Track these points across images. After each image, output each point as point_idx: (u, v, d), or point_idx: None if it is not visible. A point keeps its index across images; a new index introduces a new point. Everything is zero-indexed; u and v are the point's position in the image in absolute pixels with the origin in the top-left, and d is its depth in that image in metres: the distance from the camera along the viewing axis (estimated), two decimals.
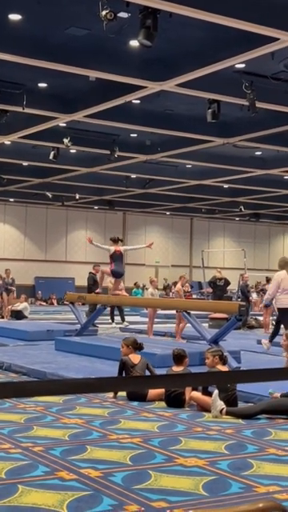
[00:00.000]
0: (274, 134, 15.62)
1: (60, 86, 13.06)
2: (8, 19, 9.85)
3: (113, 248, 12.72)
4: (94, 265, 18.84)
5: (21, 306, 20.07)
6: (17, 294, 21.39)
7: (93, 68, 11.25)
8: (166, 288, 31.01)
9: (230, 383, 6.98)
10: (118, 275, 12.74)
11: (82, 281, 24.11)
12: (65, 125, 15.55)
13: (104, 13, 8.41)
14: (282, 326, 11.97)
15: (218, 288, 19.79)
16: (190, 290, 24.18)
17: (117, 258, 12.69)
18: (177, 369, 7.80)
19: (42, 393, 3.06)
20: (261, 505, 2.37)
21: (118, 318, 18.24)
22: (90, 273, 18.44)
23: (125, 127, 15.51)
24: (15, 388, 2.87)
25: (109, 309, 17.94)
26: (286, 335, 9.14)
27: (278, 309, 12.41)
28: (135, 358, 8.18)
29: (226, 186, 24.52)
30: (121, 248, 12.82)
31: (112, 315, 18.60)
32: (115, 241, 12.88)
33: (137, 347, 8.33)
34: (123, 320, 18.00)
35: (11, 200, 29.32)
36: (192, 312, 10.95)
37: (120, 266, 12.67)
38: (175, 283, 31.05)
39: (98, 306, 13.78)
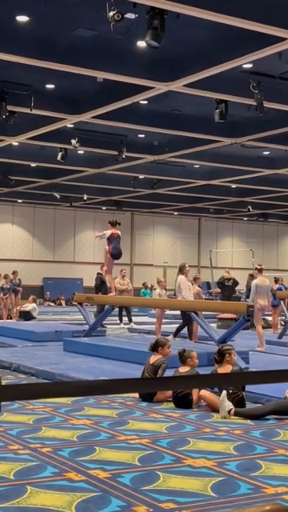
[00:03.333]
0: (281, 133, 15.59)
1: (67, 87, 13.08)
2: (15, 21, 9.87)
3: (109, 232, 12.52)
4: (101, 265, 18.85)
5: (29, 306, 20.09)
6: (24, 295, 21.42)
7: (100, 69, 11.27)
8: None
9: (238, 384, 6.96)
10: (117, 257, 12.55)
11: (90, 281, 24.11)
12: (72, 126, 15.57)
13: (111, 14, 8.41)
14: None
15: (227, 288, 19.75)
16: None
17: (114, 239, 12.49)
18: (183, 369, 7.79)
19: (54, 395, 3.07)
20: (268, 507, 2.36)
21: (125, 319, 18.30)
22: (97, 273, 18.46)
23: (132, 128, 15.52)
24: (27, 390, 2.88)
25: (117, 309, 17.99)
26: None
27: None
28: (153, 358, 8.22)
29: (233, 185, 24.49)
30: (119, 232, 12.63)
31: (120, 316, 18.65)
32: (113, 224, 12.65)
33: (153, 347, 8.34)
34: (130, 320, 18.06)
35: (19, 201, 29.40)
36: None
37: (118, 247, 12.51)
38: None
39: (106, 307, 13.80)
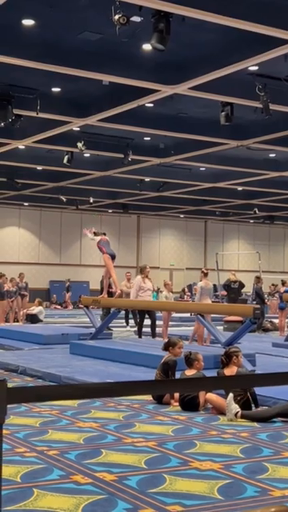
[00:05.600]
0: (287, 136, 15.57)
1: (74, 91, 13.10)
2: (21, 24, 9.89)
3: (98, 237, 13.11)
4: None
5: (36, 309, 20.12)
6: (31, 298, 21.46)
7: (106, 72, 11.28)
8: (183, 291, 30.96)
9: (244, 387, 6.95)
10: (114, 257, 13.18)
11: (96, 284, 24.13)
12: (78, 129, 15.60)
13: (117, 17, 8.43)
14: None
15: (233, 291, 19.75)
16: None
17: (104, 243, 13.09)
18: (189, 372, 7.80)
19: (60, 397, 3.08)
20: (273, 509, 2.36)
21: (132, 322, 18.29)
22: (103, 276, 18.44)
23: (138, 131, 15.53)
24: (34, 393, 2.89)
25: (123, 312, 17.99)
26: None
27: None
28: (164, 357, 8.29)
29: (240, 188, 24.47)
30: (106, 237, 13.32)
31: (126, 319, 18.65)
32: (98, 235, 13.29)
33: (165, 347, 8.51)
34: (136, 323, 18.06)
35: (26, 204, 29.44)
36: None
37: (111, 249, 13.16)
38: (189, 286, 31.09)
39: (112, 310, 13.82)
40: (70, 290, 29.48)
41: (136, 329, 17.75)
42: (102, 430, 6.43)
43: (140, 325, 14.79)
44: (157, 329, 16.99)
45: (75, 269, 31.77)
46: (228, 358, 7.63)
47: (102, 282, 18.26)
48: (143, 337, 14.86)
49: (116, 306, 13.52)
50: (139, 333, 14.82)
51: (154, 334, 14.50)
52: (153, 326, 14.62)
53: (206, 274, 14.28)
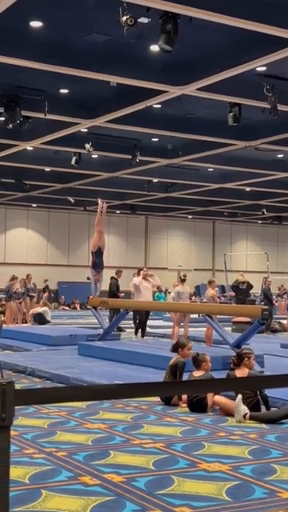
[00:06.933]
0: None
1: (81, 92, 13.11)
2: (29, 26, 9.91)
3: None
4: (116, 270, 18.88)
5: (41, 309, 20.16)
6: (39, 300, 21.54)
7: (114, 73, 11.29)
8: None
9: (252, 389, 6.92)
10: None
11: (104, 285, 24.06)
12: (86, 130, 15.61)
13: (124, 18, 8.43)
14: None
15: (241, 292, 19.71)
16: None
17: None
18: (197, 373, 7.79)
19: (68, 399, 3.08)
20: None
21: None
22: (111, 278, 18.45)
23: (146, 132, 15.54)
24: (42, 394, 2.89)
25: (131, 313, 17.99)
26: None
27: None
28: (172, 359, 8.29)
29: (248, 189, 24.43)
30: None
31: (135, 320, 18.61)
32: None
33: (173, 348, 8.54)
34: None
35: (34, 205, 29.50)
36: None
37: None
38: (197, 287, 31.08)
39: (121, 311, 13.83)
40: (47, 291, 29.45)
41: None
42: (110, 432, 6.43)
43: (143, 324, 15.35)
44: (164, 330, 17.02)
45: (83, 270, 31.73)
46: (239, 359, 7.59)
47: (110, 285, 18.31)
48: (150, 338, 14.89)
49: (123, 307, 13.52)
50: (142, 332, 15.38)
51: (143, 334, 15.51)
52: (137, 323, 15.81)
53: (183, 281, 14.81)
